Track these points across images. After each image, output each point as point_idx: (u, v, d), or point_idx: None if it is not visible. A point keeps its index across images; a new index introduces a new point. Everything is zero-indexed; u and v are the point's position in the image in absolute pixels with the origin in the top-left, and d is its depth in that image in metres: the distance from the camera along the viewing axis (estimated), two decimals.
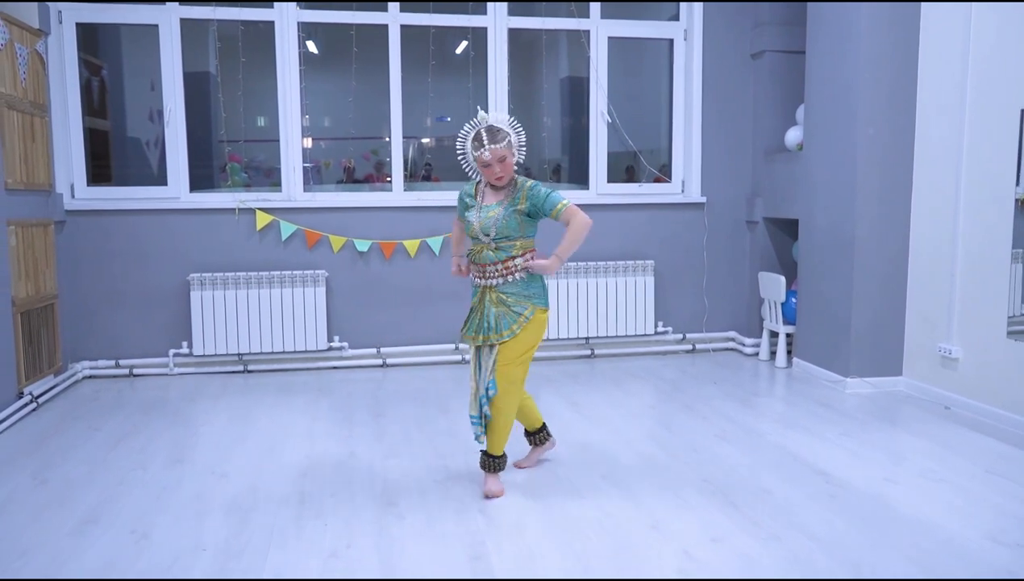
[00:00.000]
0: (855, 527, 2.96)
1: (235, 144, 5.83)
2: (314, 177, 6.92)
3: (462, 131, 3.17)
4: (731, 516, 3.06)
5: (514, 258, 3.15)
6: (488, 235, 3.13)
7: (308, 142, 7.32)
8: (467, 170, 3.25)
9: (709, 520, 3.03)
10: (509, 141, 3.10)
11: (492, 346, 3.16)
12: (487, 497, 3.23)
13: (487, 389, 3.17)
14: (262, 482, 3.43)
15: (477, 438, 3.27)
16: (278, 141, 5.49)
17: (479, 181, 3.26)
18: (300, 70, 5.42)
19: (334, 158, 7.73)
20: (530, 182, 3.16)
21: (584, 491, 3.32)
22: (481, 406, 3.22)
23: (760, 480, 3.43)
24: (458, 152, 3.23)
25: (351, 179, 7.41)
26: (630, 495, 3.27)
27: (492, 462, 3.29)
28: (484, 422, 3.23)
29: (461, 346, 5.63)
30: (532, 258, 3.20)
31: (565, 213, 3.11)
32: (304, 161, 5.63)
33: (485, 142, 3.06)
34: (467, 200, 3.26)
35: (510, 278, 3.16)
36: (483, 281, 3.19)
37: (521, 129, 3.19)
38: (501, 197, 3.17)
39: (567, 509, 3.14)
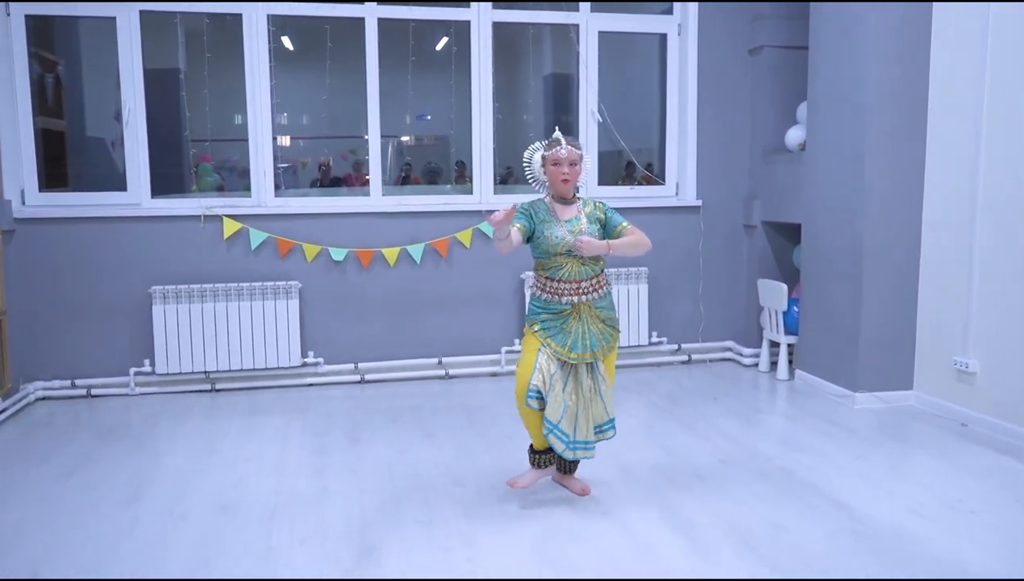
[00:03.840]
0: (887, 570, 2.67)
1: (201, 144, 5.48)
2: (289, 178, 6.56)
3: (530, 148, 3.21)
4: (748, 560, 2.76)
5: (603, 271, 3.18)
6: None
7: (287, 141, 6.97)
8: (529, 180, 3.23)
9: (724, 565, 2.72)
10: (583, 155, 3.15)
11: (591, 363, 3.13)
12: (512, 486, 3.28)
13: (611, 419, 3.22)
14: (225, 525, 3.08)
15: (564, 452, 3.14)
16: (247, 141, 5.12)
17: (546, 198, 3.21)
18: (270, 67, 5.06)
19: (312, 157, 7.39)
20: (594, 200, 3.23)
21: (583, 530, 3.01)
22: (598, 429, 3.21)
23: (774, 514, 3.13)
24: (524, 163, 3.22)
25: (328, 179, 7.08)
26: (633, 535, 2.96)
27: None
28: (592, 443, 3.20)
29: (445, 360, 5.30)
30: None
31: (629, 230, 3.17)
32: (280, 162, 5.28)
33: (563, 142, 3.10)
34: (544, 215, 3.12)
35: (602, 291, 3.16)
36: (578, 298, 3.10)
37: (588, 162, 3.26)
38: (575, 212, 3.14)
39: (565, 552, 2.83)
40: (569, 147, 3.08)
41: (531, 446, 3.29)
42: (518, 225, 3.04)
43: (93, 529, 3.06)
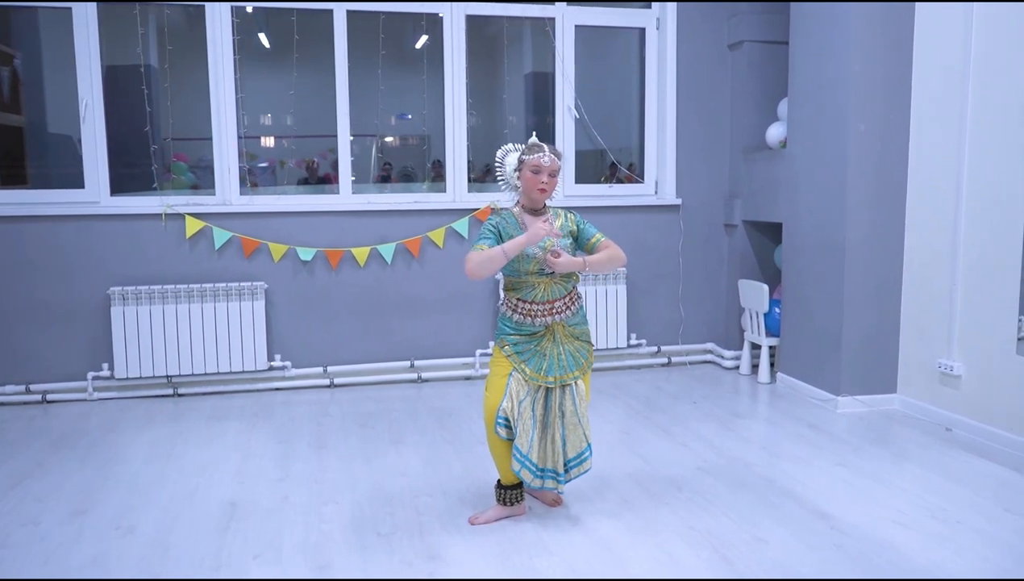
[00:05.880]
0: None
1: (175, 142, 5.29)
2: (267, 177, 6.38)
3: (503, 148, 3.00)
4: (725, 575, 2.62)
5: (576, 287, 3.01)
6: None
7: (271, 141, 6.78)
8: (501, 184, 3.02)
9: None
10: (561, 166, 2.95)
11: (566, 385, 2.94)
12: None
13: (588, 444, 3.00)
14: (175, 538, 2.91)
15: (532, 483, 2.94)
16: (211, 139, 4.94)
17: (514, 207, 2.99)
18: (235, 61, 4.89)
19: (292, 157, 7.21)
20: (565, 210, 3.05)
21: (551, 543, 2.86)
22: (570, 463, 2.97)
23: (753, 526, 2.99)
24: (496, 164, 3.01)
25: (316, 177, 6.93)
26: (604, 549, 2.81)
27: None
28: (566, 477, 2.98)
29: (417, 363, 5.14)
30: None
31: (603, 243, 3.00)
32: (259, 161, 5.11)
33: (545, 149, 2.90)
34: (513, 230, 2.90)
35: (575, 307, 2.99)
36: (552, 318, 2.92)
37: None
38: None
39: (533, 565, 2.69)
40: (551, 155, 2.87)
41: (498, 481, 3.05)
42: (484, 246, 2.83)
43: (31, 544, 2.87)
